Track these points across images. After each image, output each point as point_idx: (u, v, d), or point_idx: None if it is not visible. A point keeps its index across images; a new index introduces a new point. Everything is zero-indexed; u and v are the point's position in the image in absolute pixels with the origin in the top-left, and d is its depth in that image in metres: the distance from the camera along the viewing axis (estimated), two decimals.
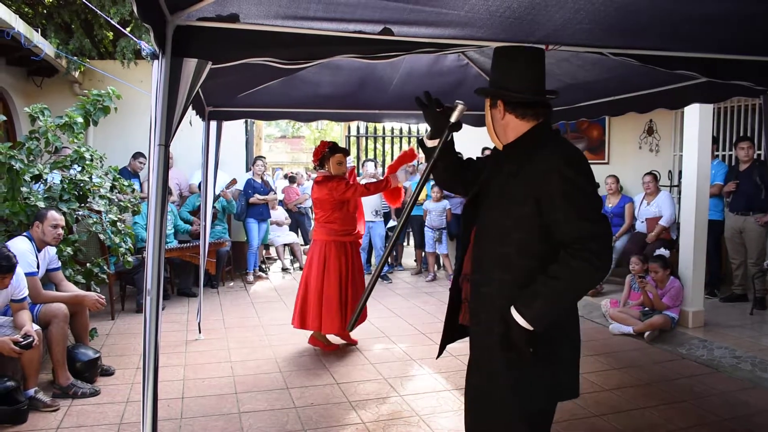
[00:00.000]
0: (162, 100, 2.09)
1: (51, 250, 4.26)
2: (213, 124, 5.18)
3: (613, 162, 8.29)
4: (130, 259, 5.19)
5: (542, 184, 1.86)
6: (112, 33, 8.27)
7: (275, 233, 8.73)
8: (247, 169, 8.76)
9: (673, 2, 2.22)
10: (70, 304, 4.07)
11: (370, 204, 7.66)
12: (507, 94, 2.01)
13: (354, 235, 4.87)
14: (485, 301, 2.02)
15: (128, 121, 7.63)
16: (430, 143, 2.25)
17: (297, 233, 9.73)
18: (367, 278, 5.90)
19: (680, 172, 6.46)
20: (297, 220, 9.83)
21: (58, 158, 4.87)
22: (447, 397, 3.92)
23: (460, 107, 2.13)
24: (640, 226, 6.65)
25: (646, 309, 5.37)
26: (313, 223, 5.27)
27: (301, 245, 9.44)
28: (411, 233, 9.06)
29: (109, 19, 6.54)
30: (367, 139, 10.20)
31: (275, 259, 9.41)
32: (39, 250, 4.10)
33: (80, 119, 4.76)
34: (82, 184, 4.82)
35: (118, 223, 5.11)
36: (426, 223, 8.07)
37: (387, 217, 8.47)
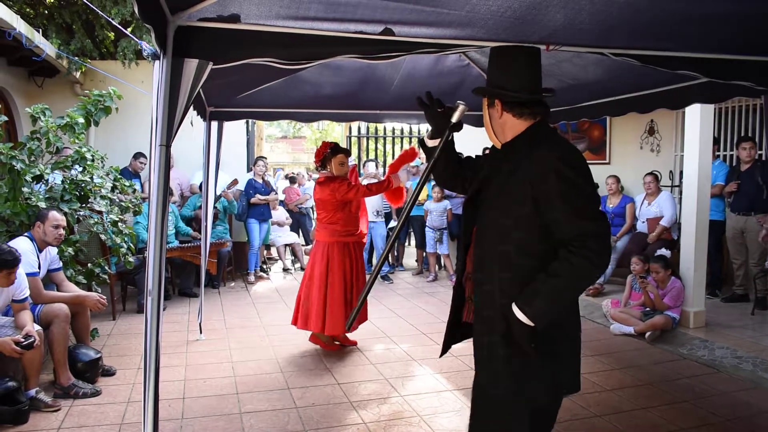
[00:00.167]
0: (163, 101, 2.09)
1: (52, 251, 4.27)
2: (214, 124, 5.18)
3: (614, 162, 8.28)
4: (131, 259, 5.19)
5: (540, 183, 1.87)
6: (113, 33, 8.28)
7: (276, 233, 8.73)
8: (248, 170, 8.76)
9: (674, 2, 2.22)
10: (71, 304, 4.07)
11: (372, 204, 7.66)
12: (504, 94, 2.03)
13: (357, 235, 4.86)
14: (487, 299, 2.03)
15: (129, 122, 7.64)
16: (430, 143, 2.27)
17: (298, 233, 9.74)
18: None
19: (681, 173, 6.46)
20: (298, 221, 9.84)
21: (60, 158, 4.88)
22: (448, 397, 3.92)
23: (461, 108, 2.15)
24: (641, 227, 6.65)
25: (647, 309, 5.37)
26: (314, 223, 5.29)
27: (302, 245, 9.45)
28: (412, 233, 9.05)
29: (110, 19, 6.55)
30: (368, 139, 10.20)
31: (276, 260, 9.41)
32: (40, 251, 4.10)
33: (81, 119, 4.77)
34: (83, 185, 4.83)
35: (119, 224, 5.11)
36: (427, 224, 8.07)
37: (388, 217, 8.47)
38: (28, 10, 8.00)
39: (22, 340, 3.47)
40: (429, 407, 3.75)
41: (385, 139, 10.32)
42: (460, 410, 3.67)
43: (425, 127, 8.88)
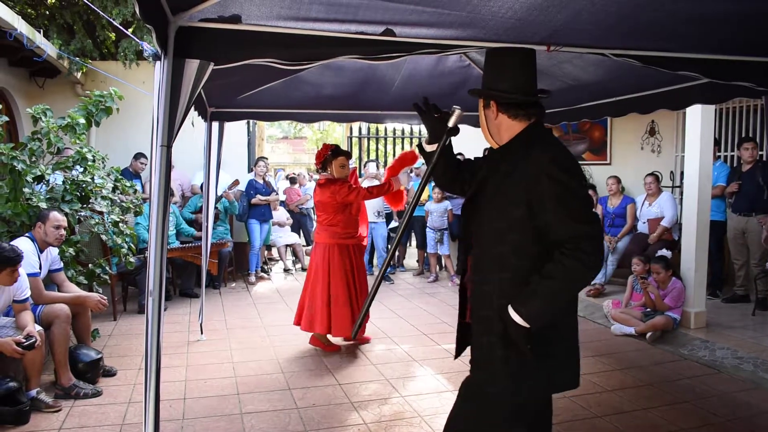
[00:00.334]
0: (164, 101, 2.10)
1: (53, 251, 4.27)
2: (215, 124, 5.19)
3: (615, 163, 8.28)
4: (132, 259, 5.20)
5: (534, 185, 1.88)
6: (114, 34, 8.29)
7: (277, 234, 8.74)
8: (249, 170, 8.77)
9: (674, 3, 2.22)
10: (72, 304, 4.08)
11: (372, 205, 7.67)
12: (498, 95, 2.04)
13: (356, 237, 4.87)
14: (485, 300, 2.05)
15: (130, 122, 7.64)
16: (429, 148, 2.30)
17: (299, 234, 9.75)
18: (369, 279, 5.93)
19: (682, 173, 6.46)
20: (299, 221, 9.85)
21: (60, 159, 4.88)
22: (449, 398, 3.92)
23: (457, 112, 2.17)
24: (642, 227, 6.65)
25: (648, 310, 5.37)
26: (315, 224, 5.28)
27: (303, 246, 9.45)
28: (413, 234, 9.05)
29: (111, 20, 6.55)
30: (369, 140, 10.20)
31: (277, 260, 9.42)
32: (41, 251, 4.11)
33: (82, 120, 4.77)
34: (84, 185, 4.83)
35: (120, 224, 5.12)
36: (428, 224, 8.08)
37: (389, 218, 8.47)
38: (29, 10, 8.01)
39: (23, 340, 3.47)
40: (430, 408, 3.75)
41: (386, 139, 10.32)
42: None
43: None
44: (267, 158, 8.90)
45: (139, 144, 7.50)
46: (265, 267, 8.65)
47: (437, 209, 7.94)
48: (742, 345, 4.82)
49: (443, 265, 8.49)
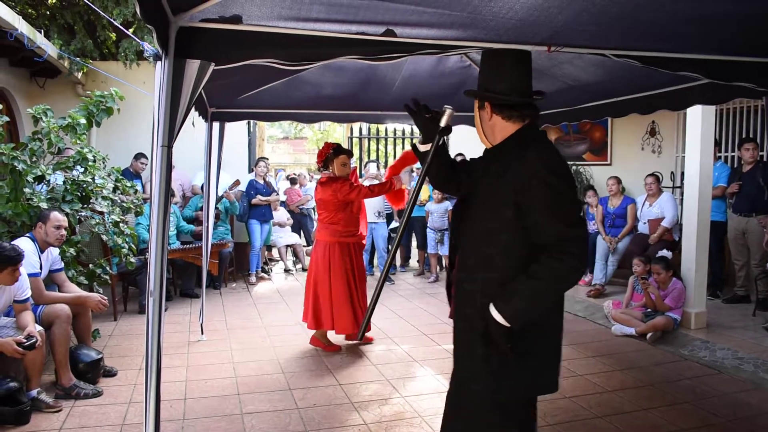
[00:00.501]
0: (165, 102, 2.10)
1: (54, 251, 4.27)
2: (216, 125, 5.19)
3: (616, 163, 8.28)
4: (132, 260, 5.20)
5: (524, 187, 1.90)
6: (114, 34, 8.29)
7: (277, 234, 8.74)
8: (250, 171, 8.77)
9: (675, 3, 2.22)
10: (72, 305, 4.08)
11: (373, 205, 7.67)
12: (493, 96, 2.06)
13: (357, 236, 4.88)
14: (468, 298, 2.08)
15: (130, 123, 7.64)
16: (422, 148, 2.31)
17: (299, 234, 9.75)
18: (370, 279, 5.92)
19: (682, 174, 6.46)
20: (299, 221, 9.85)
21: (61, 159, 4.88)
22: None
23: (448, 112, 2.19)
24: (643, 228, 6.65)
25: (649, 310, 5.37)
26: (315, 224, 5.29)
27: (304, 246, 9.45)
28: (414, 235, 9.05)
29: (111, 20, 6.55)
30: (369, 140, 10.21)
31: (278, 260, 9.42)
32: (42, 251, 4.11)
33: (83, 120, 4.77)
34: (84, 185, 4.83)
35: (121, 224, 5.12)
36: (428, 225, 8.08)
37: (389, 218, 8.47)
38: (29, 10, 8.01)
39: (24, 340, 3.47)
40: (430, 408, 3.75)
41: (386, 140, 10.32)
42: None
43: None
44: (267, 158, 8.90)
45: (139, 144, 7.50)
46: (266, 267, 8.65)
47: (438, 210, 7.95)
48: (742, 345, 4.82)
49: (444, 265, 8.48)
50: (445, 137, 2.26)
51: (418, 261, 8.93)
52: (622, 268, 6.70)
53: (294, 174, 12.36)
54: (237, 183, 7.70)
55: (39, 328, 3.69)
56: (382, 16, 2.28)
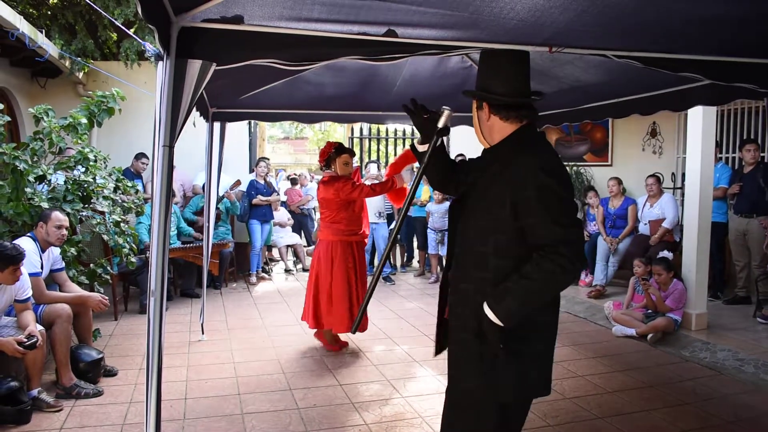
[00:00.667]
0: (166, 102, 2.10)
1: (55, 251, 4.27)
2: (217, 125, 5.19)
3: (617, 164, 8.28)
4: (133, 259, 5.20)
5: (520, 187, 1.90)
6: (115, 34, 8.29)
7: (278, 234, 8.74)
8: (251, 171, 8.77)
9: (676, 4, 2.22)
10: (73, 304, 4.08)
11: (374, 205, 7.67)
12: (490, 97, 2.06)
13: (359, 235, 4.88)
14: (462, 298, 2.08)
15: (132, 123, 7.64)
16: (421, 148, 2.32)
17: (300, 234, 9.74)
18: (370, 279, 5.91)
19: (683, 174, 6.46)
20: (300, 222, 9.85)
21: (62, 159, 4.89)
22: None
23: (446, 112, 2.20)
24: (644, 228, 6.65)
25: (650, 311, 5.36)
26: (316, 224, 5.29)
27: (304, 246, 9.45)
28: (414, 235, 9.04)
29: (113, 20, 6.56)
30: (370, 140, 10.21)
31: (278, 261, 9.41)
32: (43, 251, 4.11)
33: (84, 120, 4.77)
34: (85, 185, 4.84)
35: (122, 224, 5.12)
36: (429, 225, 8.08)
37: (390, 218, 8.47)
38: (31, 10, 8.02)
39: (25, 340, 3.47)
40: (431, 408, 3.75)
41: (387, 140, 10.32)
42: None
43: None
44: (268, 159, 8.90)
45: (140, 144, 7.51)
46: (266, 267, 8.65)
47: (438, 210, 7.94)
48: (743, 347, 4.82)
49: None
50: (444, 137, 2.26)
51: (418, 261, 8.93)
52: (622, 269, 6.70)
53: (295, 174, 12.37)
54: (238, 183, 7.70)
55: (40, 327, 3.69)
56: (383, 16, 2.28)
